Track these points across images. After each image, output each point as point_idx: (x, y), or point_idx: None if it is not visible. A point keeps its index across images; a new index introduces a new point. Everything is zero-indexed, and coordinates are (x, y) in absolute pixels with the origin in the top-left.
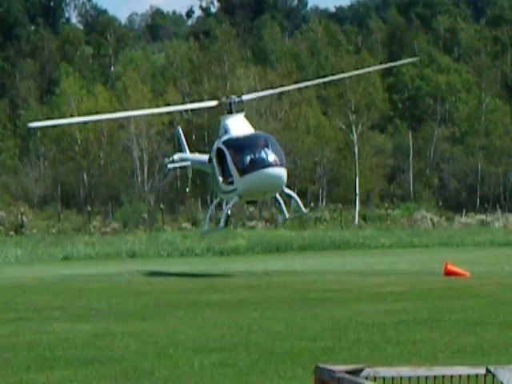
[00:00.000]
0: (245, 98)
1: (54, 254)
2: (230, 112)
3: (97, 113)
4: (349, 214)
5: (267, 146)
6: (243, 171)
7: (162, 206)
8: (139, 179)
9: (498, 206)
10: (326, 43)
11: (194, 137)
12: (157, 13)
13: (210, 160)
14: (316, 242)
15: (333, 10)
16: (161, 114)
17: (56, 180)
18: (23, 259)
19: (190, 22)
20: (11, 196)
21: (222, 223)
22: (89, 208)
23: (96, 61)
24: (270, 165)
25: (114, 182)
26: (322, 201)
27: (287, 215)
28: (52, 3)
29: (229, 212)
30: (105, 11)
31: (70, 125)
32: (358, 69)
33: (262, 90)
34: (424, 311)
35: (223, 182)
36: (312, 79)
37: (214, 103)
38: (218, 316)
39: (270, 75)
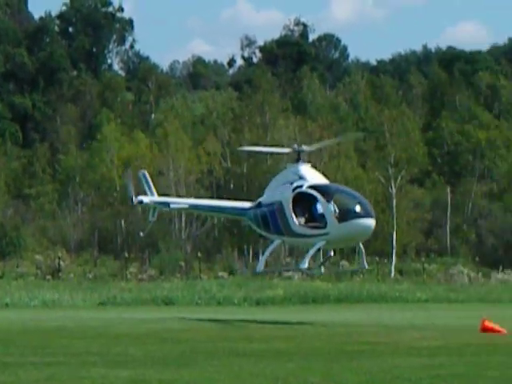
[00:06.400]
0: (305, 148)
1: (91, 299)
2: (298, 160)
3: (136, 159)
4: (385, 268)
5: (361, 197)
6: (344, 217)
7: (199, 254)
8: (176, 227)
9: None
10: (369, 96)
11: (232, 186)
12: (198, 61)
13: (259, 204)
14: (353, 295)
15: (374, 63)
16: (200, 162)
17: (93, 225)
18: (60, 303)
19: (231, 72)
20: (49, 240)
21: (306, 264)
22: (126, 254)
23: (137, 107)
24: (367, 215)
25: (152, 228)
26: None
27: (367, 266)
28: (94, 49)
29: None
30: (147, 58)
31: (110, 170)
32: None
33: (302, 141)
34: (460, 366)
35: (301, 224)
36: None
37: (287, 150)
38: (254, 366)
39: (310, 126)
